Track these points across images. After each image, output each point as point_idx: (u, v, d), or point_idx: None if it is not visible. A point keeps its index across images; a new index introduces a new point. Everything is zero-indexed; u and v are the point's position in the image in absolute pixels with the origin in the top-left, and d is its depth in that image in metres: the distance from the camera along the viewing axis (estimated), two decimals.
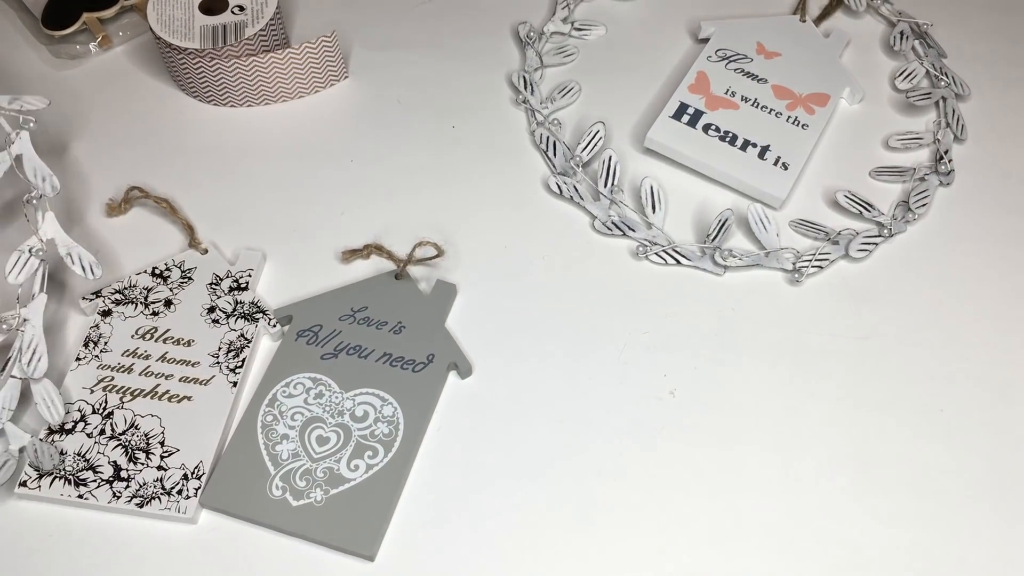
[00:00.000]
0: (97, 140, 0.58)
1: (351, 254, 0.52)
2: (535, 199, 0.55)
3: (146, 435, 0.46)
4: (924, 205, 0.54)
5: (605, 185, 0.54)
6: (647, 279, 0.52)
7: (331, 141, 0.58)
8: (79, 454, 0.45)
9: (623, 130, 0.59)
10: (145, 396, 0.47)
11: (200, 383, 0.47)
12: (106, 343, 0.49)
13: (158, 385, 0.47)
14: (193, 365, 0.48)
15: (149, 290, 0.50)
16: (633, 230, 0.53)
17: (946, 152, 0.56)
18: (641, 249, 0.53)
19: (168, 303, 0.50)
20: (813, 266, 0.51)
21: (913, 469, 0.45)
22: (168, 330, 0.49)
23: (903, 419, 0.47)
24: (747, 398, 0.48)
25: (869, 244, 0.52)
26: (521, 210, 0.55)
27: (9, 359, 0.46)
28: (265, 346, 0.50)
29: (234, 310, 0.50)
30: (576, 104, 0.60)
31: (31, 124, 0.50)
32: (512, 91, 0.61)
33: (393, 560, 0.43)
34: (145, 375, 0.48)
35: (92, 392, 0.47)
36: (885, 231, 0.53)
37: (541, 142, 0.57)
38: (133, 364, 0.48)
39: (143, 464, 0.45)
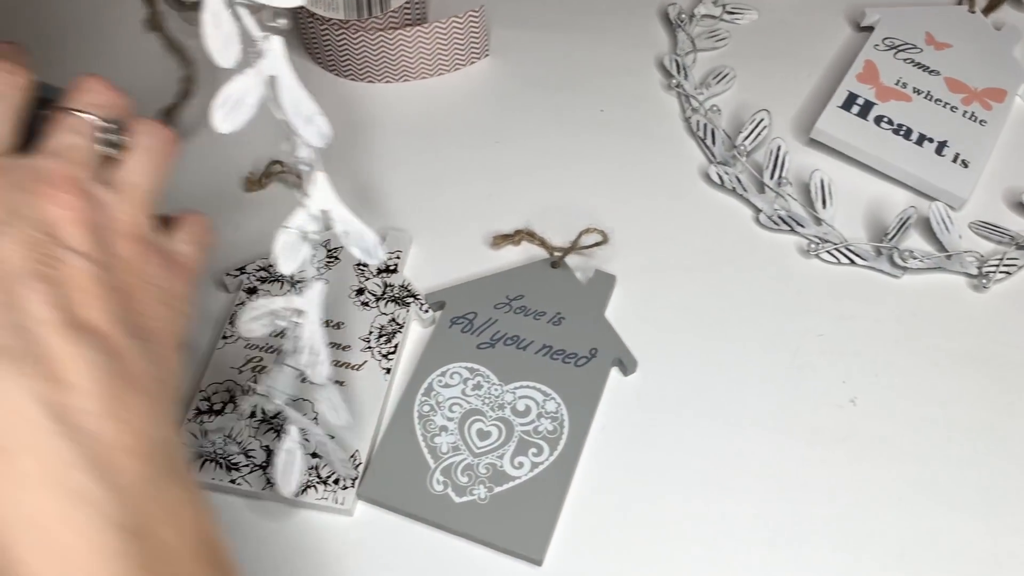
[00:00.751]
0: None
1: (502, 239, 0.50)
2: (693, 189, 0.52)
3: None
4: None
5: (772, 177, 0.51)
6: (817, 279, 0.49)
7: (473, 121, 0.56)
8: (229, 436, 0.43)
9: (782, 120, 0.55)
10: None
11: (352, 368, 0.45)
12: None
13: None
14: (344, 349, 0.46)
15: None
16: (802, 226, 0.50)
17: None
18: (812, 246, 0.49)
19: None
20: (1001, 271, 0.48)
21: None
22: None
23: None
24: (936, 410, 0.44)
25: None
26: (679, 200, 0.52)
27: (281, 351, 0.38)
28: (415, 333, 0.47)
29: (383, 293, 0.47)
30: (731, 91, 0.57)
31: (282, 22, 0.31)
32: (663, 75, 0.57)
33: (560, 565, 0.40)
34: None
35: (240, 372, 0.45)
36: None
37: (698, 129, 0.54)
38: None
39: None
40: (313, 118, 0.32)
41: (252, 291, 0.47)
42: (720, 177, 0.52)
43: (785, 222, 0.50)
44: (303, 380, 0.38)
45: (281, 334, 0.37)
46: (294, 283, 0.48)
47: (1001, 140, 0.54)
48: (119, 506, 0.25)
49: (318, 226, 0.34)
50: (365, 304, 0.47)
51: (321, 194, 0.34)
